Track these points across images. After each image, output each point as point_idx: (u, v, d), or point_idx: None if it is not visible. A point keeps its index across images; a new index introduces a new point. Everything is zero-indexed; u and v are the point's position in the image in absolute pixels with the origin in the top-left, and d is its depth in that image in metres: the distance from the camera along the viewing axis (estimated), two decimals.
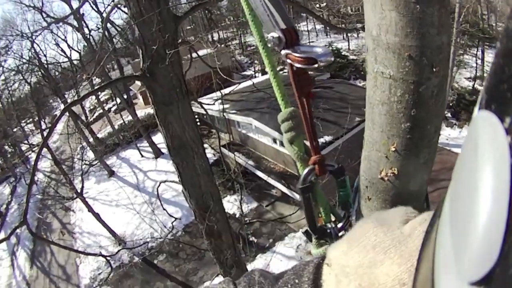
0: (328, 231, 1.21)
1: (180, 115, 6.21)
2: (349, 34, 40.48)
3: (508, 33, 0.30)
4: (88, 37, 27.73)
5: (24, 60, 31.04)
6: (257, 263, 15.94)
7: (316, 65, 0.87)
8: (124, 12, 20.76)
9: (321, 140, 14.13)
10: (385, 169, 1.90)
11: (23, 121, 43.63)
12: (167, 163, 25.38)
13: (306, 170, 1.13)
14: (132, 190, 24.58)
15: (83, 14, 26.90)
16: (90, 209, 19.54)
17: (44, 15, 27.58)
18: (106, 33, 23.95)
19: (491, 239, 0.27)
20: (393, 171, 1.87)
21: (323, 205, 1.28)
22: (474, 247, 0.28)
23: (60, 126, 33.99)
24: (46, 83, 31.94)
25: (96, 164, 27.57)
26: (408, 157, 1.81)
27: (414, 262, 0.48)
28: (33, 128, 45.68)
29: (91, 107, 45.69)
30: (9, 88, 35.74)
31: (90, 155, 29.20)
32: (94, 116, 37.65)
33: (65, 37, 34.84)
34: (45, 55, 31.76)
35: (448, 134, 21.44)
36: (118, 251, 11.75)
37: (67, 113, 19.76)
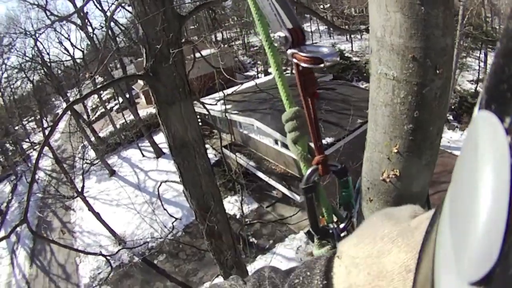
0: (330, 231, 1.21)
1: (183, 114, 6.21)
2: (352, 36, 40.48)
3: (508, 33, 0.30)
4: (91, 35, 27.76)
5: (27, 58, 31.12)
6: (257, 264, 15.92)
7: (322, 65, 0.87)
8: (128, 11, 20.81)
9: (323, 142, 14.08)
10: (387, 171, 1.90)
11: (25, 119, 43.63)
12: (168, 163, 25.38)
13: (309, 170, 1.13)
14: (133, 189, 24.57)
15: (87, 12, 26.96)
16: (90, 208, 19.56)
17: (48, 13, 27.62)
18: (110, 32, 23.94)
19: (491, 239, 0.27)
20: (395, 173, 1.87)
21: (325, 205, 1.28)
22: (474, 247, 0.28)
23: (61, 125, 33.97)
24: (48, 82, 31.99)
25: (97, 163, 27.57)
26: (410, 158, 1.81)
27: None
28: (35, 126, 45.71)
29: (93, 106, 45.74)
30: (12, 86, 35.75)
31: (91, 154, 29.25)
32: (96, 115, 37.71)
33: (69, 35, 35.06)
34: (48, 53, 31.77)
35: (449, 137, 21.38)
36: (118, 250, 11.76)
37: (69, 112, 19.79)
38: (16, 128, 39.68)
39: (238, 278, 0.82)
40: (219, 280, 14.38)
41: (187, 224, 20.13)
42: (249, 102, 20.13)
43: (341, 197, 1.25)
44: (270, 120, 16.75)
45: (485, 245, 0.27)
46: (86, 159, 24.21)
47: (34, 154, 31.96)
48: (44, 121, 32.79)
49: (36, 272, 22.13)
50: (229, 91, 15.35)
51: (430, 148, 1.80)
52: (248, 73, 40.51)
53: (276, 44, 1.02)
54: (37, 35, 27.90)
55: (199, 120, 7.57)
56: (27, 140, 36.76)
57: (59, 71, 36.72)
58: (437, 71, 1.53)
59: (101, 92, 34.75)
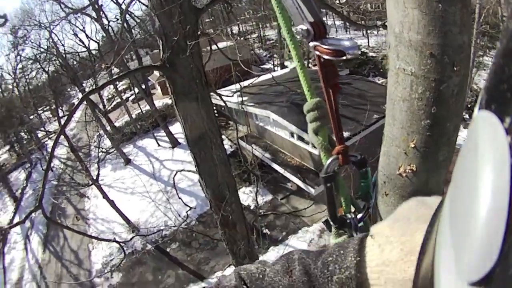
0: (348, 221, 1.22)
1: (200, 105, 6.23)
2: (368, 31, 40.05)
3: (508, 33, 0.31)
4: (106, 28, 27.79)
5: (42, 50, 31.24)
6: (269, 255, 15.92)
7: (344, 57, 0.90)
8: (144, 4, 20.79)
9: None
10: (404, 165, 1.91)
11: (40, 109, 43.90)
12: (183, 153, 25.39)
13: (329, 160, 1.15)
14: (148, 178, 24.63)
15: (101, 5, 26.88)
16: (105, 196, 19.63)
17: (63, 6, 27.61)
18: (125, 24, 23.94)
19: (491, 239, 0.27)
20: (411, 168, 1.89)
21: (344, 195, 1.30)
22: (474, 247, 0.29)
23: (77, 114, 34.23)
24: (64, 72, 32.14)
25: (112, 152, 27.82)
26: (427, 154, 1.83)
27: None
28: (50, 115, 45.99)
29: (109, 96, 45.81)
30: (27, 77, 35.96)
31: (107, 143, 29.30)
32: (112, 105, 37.78)
33: (84, 27, 35.05)
34: (63, 45, 31.99)
35: (465, 136, 21.21)
36: (132, 237, 11.80)
37: (84, 102, 19.90)
38: (31, 117, 39.93)
39: (265, 262, 0.84)
40: (231, 270, 14.44)
41: (201, 213, 20.14)
42: (265, 95, 20.06)
43: (359, 188, 1.27)
44: (286, 112, 16.72)
45: (485, 245, 0.27)
46: (102, 148, 24.33)
47: (49, 143, 32.30)
48: (59, 111, 32.95)
49: (48, 257, 22.34)
50: (245, 83, 15.34)
51: (447, 144, 1.82)
52: (264, 66, 40.38)
53: (298, 37, 1.05)
54: (51, 27, 28.09)
55: (215, 111, 7.59)
56: (42, 129, 36.98)
57: (75, 62, 36.87)
58: (455, 68, 1.54)
59: (117, 82, 34.87)
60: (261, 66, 39.68)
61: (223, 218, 7.50)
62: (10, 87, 37.73)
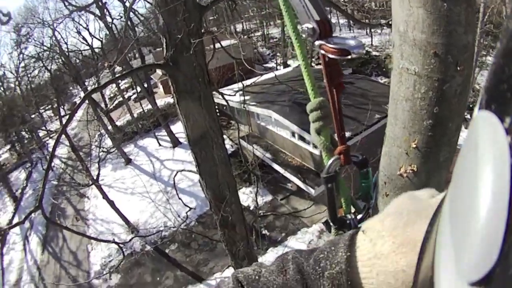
0: (348, 222, 1.21)
1: (202, 104, 6.23)
2: (372, 30, 40.11)
3: (508, 33, 0.31)
4: (110, 25, 27.78)
5: (45, 48, 31.29)
6: (268, 256, 15.92)
7: (349, 56, 0.90)
8: (148, 1, 20.82)
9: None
10: (405, 166, 1.91)
11: (41, 108, 43.94)
12: (184, 153, 25.39)
13: (331, 160, 1.15)
14: (148, 178, 24.60)
15: (105, 2, 26.89)
16: (104, 196, 19.63)
17: (66, 3, 27.64)
18: (129, 22, 23.96)
19: (491, 239, 0.27)
20: (412, 168, 1.89)
21: (344, 196, 1.29)
22: (474, 247, 0.28)
23: (79, 113, 34.25)
24: (66, 71, 32.13)
25: (113, 151, 27.78)
26: (428, 154, 1.82)
27: None
28: (52, 114, 46.03)
29: (111, 95, 45.89)
30: (29, 75, 36.01)
31: (108, 142, 29.32)
32: (114, 104, 37.80)
33: (87, 25, 35.11)
34: (66, 43, 32.00)
35: (466, 135, 21.27)
36: (131, 238, 11.80)
37: (86, 100, 19.94)
38: (33, 116, 39.95)
39: (261, 264, 0.86)
40: (230, 271, 14.41)
41: (200, 214, 20.14)
42: (267, 94, 20.07)
43: (360, 188, 1.27)
44: (288, 112, 16.72)
45: (485, 245, 0.27)
46: (103, 147, 24.33)
47: (50, 142, 32.28)
48: (61, 110, 32.99)
49: (47, 258, 22.32)
50: (248, 82, 15.36)
51: (448, 144, 1.81)
52: (267, 65, 40.36)
53: (303, 35, 1.04)
54: (55, 25, 28.13)
55: (217, 110, 7.58)
56: (43, 128, 37.00)
57: (77, 61, 36.91)
58: (458, 68, 1.54)
59: (120, 81, 34.91)
60: (264, 65, 39.65)
61: (223, 218, 7.51)
62: (12, 85, 37.76)
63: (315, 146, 15.16)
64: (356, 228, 1.21)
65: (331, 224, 1.22)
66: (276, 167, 18.38)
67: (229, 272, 15.30)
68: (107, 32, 30.14)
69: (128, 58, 29.52)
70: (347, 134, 14.70)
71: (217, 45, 8.47)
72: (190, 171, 9.77)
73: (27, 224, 24.91)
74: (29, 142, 38.15)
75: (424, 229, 0.55)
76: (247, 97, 16.84)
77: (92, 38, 32.65)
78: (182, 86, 6.07)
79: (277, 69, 32.45)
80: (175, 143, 27.88)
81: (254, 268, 0.83)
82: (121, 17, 27.76)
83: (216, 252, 17.24)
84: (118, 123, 32.89)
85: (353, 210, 1.35)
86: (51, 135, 30.43)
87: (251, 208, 18.44)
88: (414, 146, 1.80)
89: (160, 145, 28.90)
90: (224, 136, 7.56)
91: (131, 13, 23.86)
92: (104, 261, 19.66)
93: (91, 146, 24.95)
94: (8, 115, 32.96)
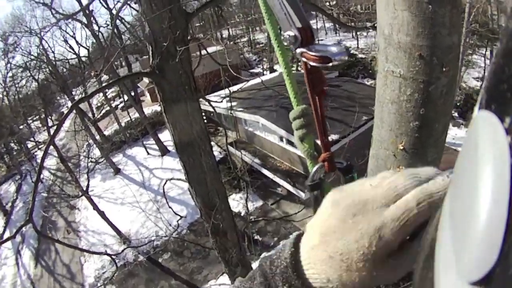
0: None
1: (188, 112, 6.21)
2: (358, 33, 40.32)
3: (508, 33, 0.30)
4: (97, 33, 27.75)
5: (32, 57, 31.23)
6: None
7: (330, 64, 0.88)
8: (134, 9, 20.82)
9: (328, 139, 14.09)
10: (393, 167, 1.91)
11: (29, 118, 43.72)
12: (173, 161, 25.35)
13: (315, 167, 1.14)
14: (138, 188, 24.52)
15: (92, 10, 26.94)
16: (95, 207, 19.54)
17: (53, 12, 27.64)
18: (116, 30, 23.96)
19: (491, 239, 0.26)
20: (400, 170, 1.88)
21: None
22: (474, 247, 0.28)
23: (67, 123, 34.08)
24: (53, 80, 32.09)
25: (102, 161, 27.66)
26: (415, 155, 1.82)
27: (352, 211, 0.63)
28: (40, 125, 45.80)
29: (98, 104, 45.74)
30: (17, 85, 35.87)
31: (96, 152, 29.24)
32: (101, 113, 37.72)
33: (74, 33, 34.99)
34: (53, 52, 31.92)
35: (454, 134, 21.36)
36: (123, 250, 11.76)
37: (74, 110, 19.84)
38: (21, 127, 39.72)
39: (243, 279, 0.87)
40: (224, 278, 14.39)
41: (191, 222, 20.12)
42: (254, 99, 20.10)
43: None
44: (275, 117, 16.74)
45: (485, 245, 0.27)
46: (91, 158, 24.26)
47: (39, 153, 32.07)
48: (49, 120, 32.89)
49: (41, 272, 22.17)
50: (234, 88, 15.38)
51: (435, 145, 1.81)
52: (253, 70, 40.46)
53: (285, 43, 1.03)
54: (42, 33, 28.09)
55: (204, 117, 7.57)
56: (32, 139, 36.84)
57: (64, 70, 36.82)
58: (444, 69, 1.53)
59: (106, 90, 34.82)
60: (251, 70, 39.71)
61: (214, 226, 7.48)
62: (0, 96, 37.58)
63: None
64: None
65: None
66: (265, 172, 18.40)
67: (223, 279, 15.30)
68: (94, 40, 30.14)
69: (114, 67, 29.50)
70: (335, 137, 14.80)
71: (203, 52, 8.46)
72: (180, 179, 9.78)
73: (18, 238, 24.61)
74: (18, 153, 37.92)
75: (338, 216, 0.64)
76: (234, 103, 16.85)
77: (79, 47, 32.67)
78: (169, 94, 6.05)
79: (263, 74, 32.51)
80: (164, 151, 27.85)
81: (235, 284, 0.84)
82: (108, 25, 27.76)
83: (209, 260, 17.21)
84: (106, 133, 32.83)
85: None
86: (39, 146, 30.34)
87: (242, 214, 18.37)
88: (401, 148, 1.80)
89: (148, 153, 28.86)
90: (212, 143, 7.55)
91: (117, 21, 23.88)
92: (97, 273, 19.59)
93: (80, 156, 24.89)
94: None
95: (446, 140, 1.93)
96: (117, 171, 28.31)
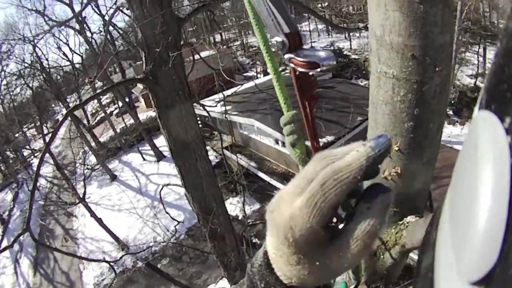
0: None
1: (183, 117, 6.21)
2: (351, 34, 40.38)
3: (508, 33, 0.30)
4: (90, 40, 27.77)
5: (26, 64, 31.13)
6: None
7: (318, 69, 0.87)
8: (127, 14, 20.80)
9: (323, 140, 14.14)
10: (389, 168, 1.90)
11: (25, 126, 43.62)
12: (169, 166, 25.29)
13: None
14: (135, 194, 24.50)
15: (85, 17, 26.96)
16: (92, 214, 19.51)
17: (46, 19, 27.65)
18: (108, 36, 23.96)
19: (491, 239, 0.27)
20: (396, 170, 1.88)
21: None
22: (474, 247, 0.28)
23: (62, 131, 33.94)
24: (48, 88, 32.02)
25: (98, 168, 27.62)
26: (411, 156, 1.82)
27: (271, 208, 0.65)
28: (35, 133, 45.66)
29: (93, 111, 45.71)
30: (11, 93, 35.77)
31: (92, 159, 29.22)
32: (96, 120, 37.66)
33: (67, 40, 35.00)
34: (47, 59, 31.80)
35: (450, 132, 21.38)
36: (122, 256, 11.73)
37: (69, 117, 19.81)
38: (16, 135, 39.61)
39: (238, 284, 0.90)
40: (224, 282, 14.38)
41: (189, 227, 20.10)
42: (249, 103, 20.12)
43: None
44: (270, 120, 16.75)
45: (485, 245, 0.27)
46: (87, 165, 24.22)
47: (35, 161, 31.94)
48: (44, 128, 32.77)
49: (40, 280, 22.06)
50: (228, 92, 15.38)
51: (430, 145, 1.81)
52: (247, 74, 40.48)
53: (273, 49, 1.02)
54: (35, 41, 27.99)
55: (199, 122, 7.55)
56: (27, 147, 36.73)
57: (58, 77, 36.75)
58: (436, 69, 1.53)
59: (101, 96, 34.81)
60: (244, 74, 39.76)
61: (212, 230, 7.47)
62: None
63: None
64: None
65: None
66: (262, 175, 18.41)
67: (222, 283, 15.28)
68: (87, 47, 30.12)
69: (108, 73, 29.50)
70: (330, 138, 14.82)
71: (197, 57, 8.44)
72: (176, 184, 9.74)
73: (16, 247, 24.55)
74: (14, 162, 37.78)
75: (286, 214, 0.60)
76: (228, 107, 16.88)
77: (73, 54, 32.58)
78: (162, 99, 6.04)
79: (257, 78, 32.54)
80: (159, 157, 27.82)
81: None
82: (101, 31, 27.82)
83: (208, 264, 17.18)
84: (101, 139, 32.71)
85: (334, 220, 1.32)
86: (35, 154, 30.26)
87: (239, 218, 18.38)
88: (396, 148, 1.80)
89: (144, 159, 28.84)
90: (208, 147, 7.54)
91: (110, 27, 23.87)
92: (97, 280, 19.53)
93: (76, 164, 24.81)
94: None
95: (442, 138, 1.93)
96: (114, 177, 28.28)
